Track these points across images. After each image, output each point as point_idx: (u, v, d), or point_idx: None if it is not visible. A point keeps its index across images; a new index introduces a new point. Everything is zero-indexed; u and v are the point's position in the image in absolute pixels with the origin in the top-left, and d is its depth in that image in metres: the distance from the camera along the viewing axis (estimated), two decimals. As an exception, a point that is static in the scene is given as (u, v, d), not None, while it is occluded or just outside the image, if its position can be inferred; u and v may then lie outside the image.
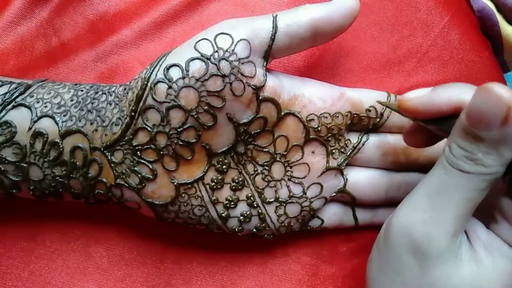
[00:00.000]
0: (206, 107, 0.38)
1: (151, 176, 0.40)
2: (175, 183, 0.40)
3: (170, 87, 0.37)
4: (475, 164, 0.32)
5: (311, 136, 0.42)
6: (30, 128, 0.40)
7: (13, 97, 0.41)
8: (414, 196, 0.36)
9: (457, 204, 0.34)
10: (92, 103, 0.41)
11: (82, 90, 0.42)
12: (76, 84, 0.43)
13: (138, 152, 0.39)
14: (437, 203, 0.34)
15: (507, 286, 0.34)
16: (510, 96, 0.30)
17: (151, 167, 0.39)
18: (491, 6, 0.52)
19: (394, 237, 0.36)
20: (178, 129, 0.38)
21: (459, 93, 0.34)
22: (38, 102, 0.41)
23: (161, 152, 0.39)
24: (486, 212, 0.36)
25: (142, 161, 0.39)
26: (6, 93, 0.41)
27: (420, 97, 0.36)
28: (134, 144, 0.39)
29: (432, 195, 0.35)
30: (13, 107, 0.40)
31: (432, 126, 0.37)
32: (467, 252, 0.35)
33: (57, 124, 0.40)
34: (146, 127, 0.38)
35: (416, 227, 0.35)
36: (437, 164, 0.35)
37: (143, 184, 0.40)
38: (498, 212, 0.35)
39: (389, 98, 0.44)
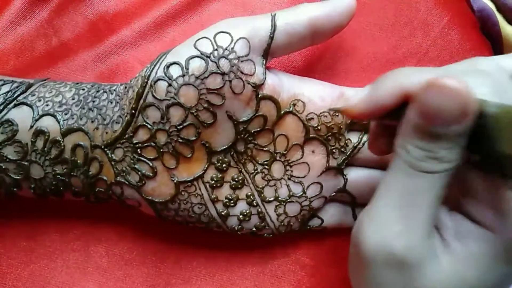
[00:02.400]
0: (205, 105, 0.38)
1: (151, 174, 0.40)
2: (175, 181, 0.40)
3: (170, 85, 0.38)
4: (439, 163, 0.30)
5: (311, 135, 0.42)
6: (31, 127, 0.40)
7: (15, 95, 0.41)
8: (379, 208, 0.34)
9: (427, 206, 0.32)
10: (93, 102, 0.41)
11: (83, 89, 0.42)
12: (77, 83, 0.43)
13: (138, 150, 0.39)
14: (408, 210, 0.32)
15: (488, 265, 0.32)
16: (466, 86, 0.28)
17: (151, 164, 0.40)
18: (491, 6, 0.52)
19: (370, 255, 0.33)
20: (178, 127, 0.38)
21: (398, 83, 0.32)
22: (40, 100, 0.41)
23: (161, 150, 0.39)
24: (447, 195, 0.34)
25: (142, 158, 0.39)
26: (8, 92, 0.41)
27: (362, 100, 0.34)
28: (135, 141, 0.39)
29: (400, 203, 0.32)
30: (15, 105, 0.41)
31: (387, 120, 0.35)
32: (440, 246, 0.33)
33: (59, 122, 0.40)
34: (146, 124, 0.38)
35: (392, 240, 0.32)
36: (394, 170, 0.33)
37: (143, 182, 0.40)
38: (465, 191, 0.34)
39: None
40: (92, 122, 0.40)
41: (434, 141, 0.30)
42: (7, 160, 0.40)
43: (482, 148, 0.30)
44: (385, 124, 0.37)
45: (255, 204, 0.42)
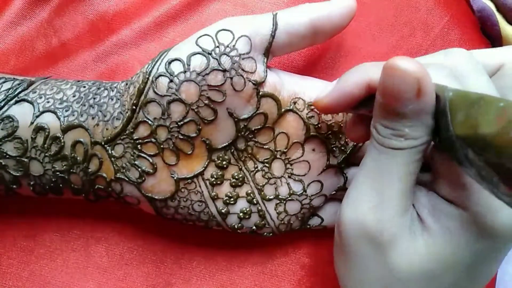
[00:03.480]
0: (206, 101, 0.38)
1: (151, 170, 0.40)
2: (175, 178, 0.40)
3: (171, 81, 0.38)
4: (405, 139, 0.32)
5: (311, 133, 0.42)
6: (32, 123, 0.40)
7: (16, 92, 0.41)
8: (355, 186, 0.35)
9: (399, 181, 0.33)
10: (94, 99, 0.41)
11: (84, 86, 0.42)
12: (78, 81, 0.43)
13: (139, 146, 0.39)
14: (379, 186, 0.33)
15: (460, 241, 0.33)
16: (416, 67, 0.30)
17: (151, 161, 0.40)
18: (491, 6, 0.52)
19: (346, 232, 0.35)
20: (179, 123, 0.38)
21: (362, 73, 0.34)
22: (41, 97, 0.41)
23: (162, 146, 0.39)
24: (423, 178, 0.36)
25: (143, 155, 0.39)
26: (9, 89, 0.41)
27: (330, 92, 0.36)
28: (135, 137, 0.39)
29: (373, 179, 0.34)
30: (16, 102, 0.41)
31: (359, 111, 0.37)
32: (418, 224, 0.34)
33: (59, 119, 0.40)
34: (147, 120, 0.38)
35: (365, 216, 0.34)
36: (369, 149, 0.35)
37: (143, 178, 0.40)
38: (435, 171, 0.35)
39: None
40: (93, 118, 0.40)
41: (397, 119, 0.32)
42: (7, 156, 0.40)
43: (440, 131, 0.31)
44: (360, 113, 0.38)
45: (255, 202, 0.42)
